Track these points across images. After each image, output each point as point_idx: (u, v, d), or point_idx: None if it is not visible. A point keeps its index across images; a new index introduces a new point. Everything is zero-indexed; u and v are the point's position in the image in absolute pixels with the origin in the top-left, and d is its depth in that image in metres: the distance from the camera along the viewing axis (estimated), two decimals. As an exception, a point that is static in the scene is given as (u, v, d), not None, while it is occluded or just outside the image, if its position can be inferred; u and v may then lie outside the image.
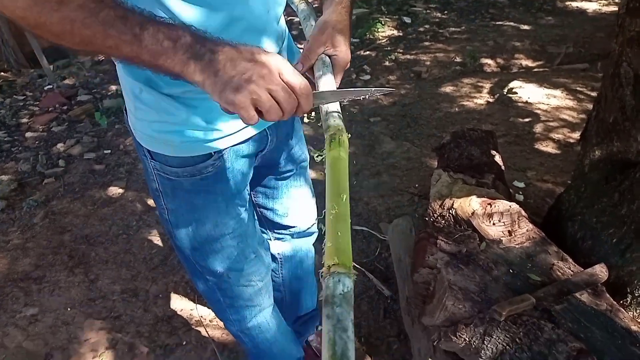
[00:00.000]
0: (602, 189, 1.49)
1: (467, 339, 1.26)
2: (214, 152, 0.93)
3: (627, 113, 1.57)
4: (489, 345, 1.24)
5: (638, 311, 1.35)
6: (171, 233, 1.05)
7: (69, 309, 1.89)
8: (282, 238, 1.36)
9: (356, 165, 2.76)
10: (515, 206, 1.50)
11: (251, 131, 0.97)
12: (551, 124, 3.17)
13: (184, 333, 1.79)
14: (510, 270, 1.36)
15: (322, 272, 0.55)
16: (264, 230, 1.33)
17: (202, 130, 0.88)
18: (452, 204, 1.59)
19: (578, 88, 3.54)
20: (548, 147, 2.89)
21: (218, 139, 0.90)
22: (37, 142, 3.19)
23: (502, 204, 1.50)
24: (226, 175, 0.97)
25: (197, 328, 1.81)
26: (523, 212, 1.51)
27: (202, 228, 1.01)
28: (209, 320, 1.84)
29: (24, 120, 3.51)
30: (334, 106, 0.79)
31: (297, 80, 0.67)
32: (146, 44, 0.62)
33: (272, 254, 1.36)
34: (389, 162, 2.78)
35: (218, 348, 1.72)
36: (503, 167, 1.88)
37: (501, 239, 1.46)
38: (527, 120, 3.23)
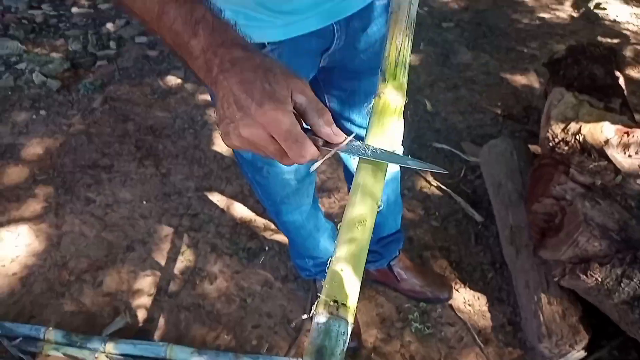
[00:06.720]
0: None
1: (599, 279, 1.18)
2: (268, 43, 0.84)
3: None
4: (625, 289, 1.16)
5: None
6: None
7: (144, 202, 1.83)
8: None
9: (430, 75, 2.56)
10: (657, 139, 1.35)
11: (311, 24, 0.85)
12: (641, 47, 2.89)
13: (265, 238, 1.73)
14: (652, 209, 1.25)
15: (317, 308, 0.48)
16: None
17: (253, 17, 0.80)
18: (580, 129, 1.44)
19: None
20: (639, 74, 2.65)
21: (271, 27, 0.83)
22: (84, 20, 2.96)
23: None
24: None
25: (278, 234, 1.75)
26: (664, 147, 1.36)
27: None
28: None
29: (67, -7, 3.26)
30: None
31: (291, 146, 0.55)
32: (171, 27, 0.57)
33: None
34: (466, 75, 2.57)
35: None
36: (626, 92, 1.70)
37: (639, 173, 1.33)
38: (615, 41, 2.94)
